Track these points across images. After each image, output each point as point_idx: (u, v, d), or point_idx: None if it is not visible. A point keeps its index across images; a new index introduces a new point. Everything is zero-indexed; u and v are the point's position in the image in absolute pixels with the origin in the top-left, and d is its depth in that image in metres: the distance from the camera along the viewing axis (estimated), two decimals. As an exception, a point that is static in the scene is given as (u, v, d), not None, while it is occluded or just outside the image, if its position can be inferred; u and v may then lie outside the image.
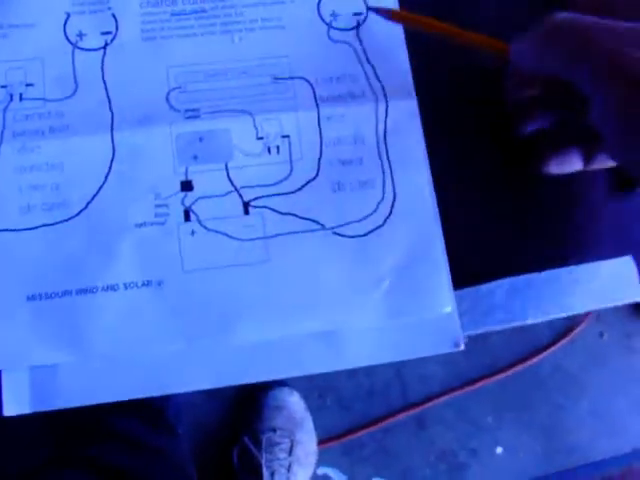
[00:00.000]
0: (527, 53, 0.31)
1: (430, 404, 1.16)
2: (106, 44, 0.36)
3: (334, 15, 0.37)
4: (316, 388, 1.14)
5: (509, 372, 1.18)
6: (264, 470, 1.01)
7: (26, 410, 0.32)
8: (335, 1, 0.37)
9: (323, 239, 0.34)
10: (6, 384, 0.32)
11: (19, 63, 0.35)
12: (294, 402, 1.08)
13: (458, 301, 0.35)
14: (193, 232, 0.34)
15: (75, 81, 0.35)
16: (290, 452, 1.03)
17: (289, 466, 1.02)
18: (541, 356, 1.19)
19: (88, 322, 0.33)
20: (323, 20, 0.37)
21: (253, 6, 0.37)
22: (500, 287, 0.37)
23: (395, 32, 0.37)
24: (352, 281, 0.34)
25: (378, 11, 0.36)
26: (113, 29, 0.36)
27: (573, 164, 0.34)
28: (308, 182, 0.35)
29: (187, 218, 0.34)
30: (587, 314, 1.17)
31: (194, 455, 0.72)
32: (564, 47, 0.29)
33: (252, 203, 0.34)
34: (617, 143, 0.29)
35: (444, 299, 0.34)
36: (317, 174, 0.35)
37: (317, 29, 0.37)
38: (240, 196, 0.34)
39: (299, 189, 0.35)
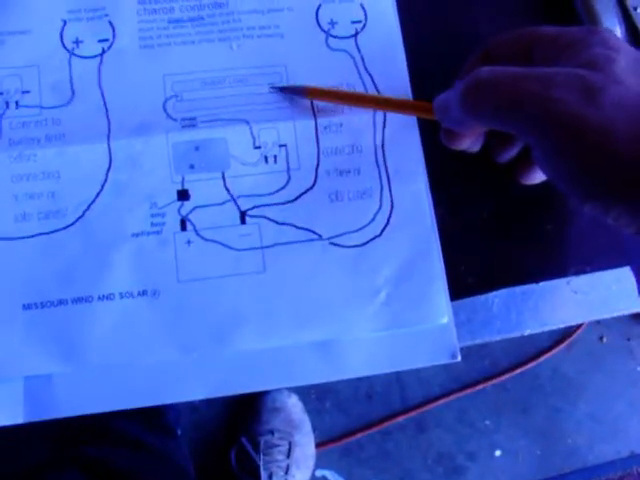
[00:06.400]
0: (453, 112, 0.30)
1: (429, 407, 1.15)
2: (103, 51, 0.36)
3: (332, 23, 0.37)
4: (315, 390, 1.14)
5: (508, 375, 1.17)
6: (262, 472, 1.00)
7: (19, 420, 0.32)
8: (333, 9, 0.37)
9: (320, 249, 0.34)
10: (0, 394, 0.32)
11: (15, 70, 0.35)
12: (292, 404, 1.08)
13: (455, 312, 0.35)
14: (189, 242, 0.34)
15: (72, 88, 0.35)
16: (288, 454, 1.03)
17: (287, 468, 1.02)
18: (540, 359, 1.19)
19: (83, 331, 0.32)
20: (321, 28, 0.37)
21: (251, 13, 0.37)
22: (498, 298, 0.36)
23: (394, 40, 0.37)
24: (349, 291, 0.34)
25: (292, 90, 0.35)
26: (110, 36, 0.36)
27: (539, 177, 0.35)
28: (305, 192, 0.35)
29: (183, 227, 0.34)
30: (586, 317, 1.17)
31: (193, 456, 0.72)
32: (493, 103, 0.27)
33: (249, 213, 0.34)
34: (564, 186, 0.28)
35: (441, 310, 0.34)
36: (314, 184, 0.35)
37: (315, 37, 0.37)
38: (237, 205, 0.34)
39: (296, 199, 0.34)
